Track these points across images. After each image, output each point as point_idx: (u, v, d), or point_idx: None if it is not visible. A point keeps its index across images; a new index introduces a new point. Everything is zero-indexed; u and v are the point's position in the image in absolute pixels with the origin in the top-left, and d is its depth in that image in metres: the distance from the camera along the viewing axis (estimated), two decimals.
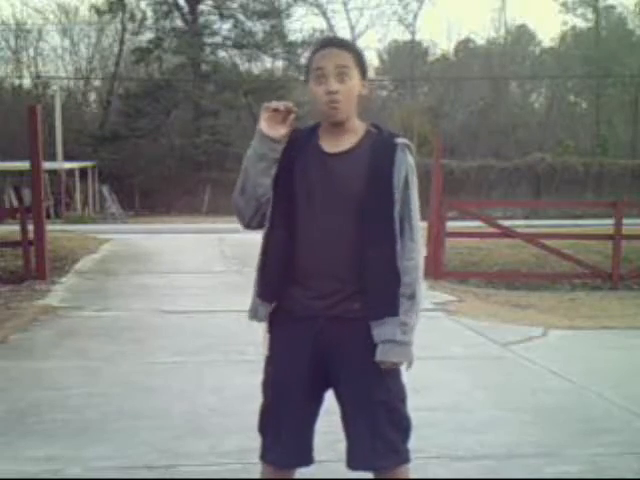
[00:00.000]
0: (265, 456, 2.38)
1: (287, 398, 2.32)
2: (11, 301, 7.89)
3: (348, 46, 2.29)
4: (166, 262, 10.87)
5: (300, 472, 2.43)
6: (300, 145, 2.32)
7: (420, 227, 2.31)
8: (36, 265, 9.15)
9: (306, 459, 2.39)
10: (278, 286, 2.30)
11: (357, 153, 2.27)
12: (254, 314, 2.36)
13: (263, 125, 2.25)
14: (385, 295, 2.24)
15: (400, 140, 2.29)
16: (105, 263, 10.80)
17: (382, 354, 2.23)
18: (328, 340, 2.27)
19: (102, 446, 3.64)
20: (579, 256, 10.56)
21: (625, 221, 10.32)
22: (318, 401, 2.37)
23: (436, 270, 9.95)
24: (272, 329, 2.35)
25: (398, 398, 2.34)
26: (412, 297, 2.25)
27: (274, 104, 2.24)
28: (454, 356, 5.73)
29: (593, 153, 33.45)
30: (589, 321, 7.66)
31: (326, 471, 3.02)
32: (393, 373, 2.31)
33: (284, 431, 2.32)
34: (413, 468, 3.29)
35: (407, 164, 2.26)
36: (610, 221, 10.55)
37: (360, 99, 2.29)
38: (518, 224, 13.70)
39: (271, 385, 2.36)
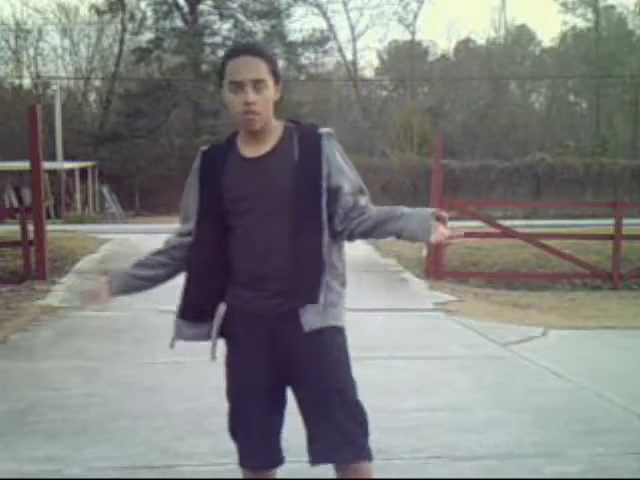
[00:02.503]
0: (240, 460, 2.44)
1: (249, 401, 2.36)
2: (11, 301, 7.89)
3: (262, 54, 2.26)
4: None
5: (291, 472, 2.43)
6: (219, 159, 2.33)
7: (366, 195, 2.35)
8: (36, 265, 9.15)
9: (276, 460, 2.43)
10: (202, 306, 2.36)
11: (280, 152, 2.27)
12: (178, 334, 2.49)
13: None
14: (306, 283, 2.23)
15: (323, 130, 2.30)
16: (105, 263, 10.79)
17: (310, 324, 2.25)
18: (280, 337, 2.28)
19: (102, 446, 3.64)
20: (579, 256, 10.55)
21: (625, 221, 10.32)
22: (281, 400, 2.39)
23: (436, 270, 9.95)
24: (225, 331, 2.37)
25: (351, 389, 2.34)
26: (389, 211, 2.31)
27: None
28: (454, 356, 5.73)
29: (593, 153, 33.41)
30: (589, 321, 7.66)
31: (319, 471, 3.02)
32: (344, 365, 2.33)
33: (251, 434, 2.37)
34: (413, 468, 3.28)
35: (335, 149, 2.29)
36: (610, 221, 10.55)
37: (275, 103, 2.31)
38: (518, 224, 13.68)
39: (232, 390, 2.40)
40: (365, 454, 2.34)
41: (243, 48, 2.29)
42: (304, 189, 2.22)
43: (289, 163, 2.24)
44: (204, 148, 2.43)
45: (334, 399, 2.27)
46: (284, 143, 2.28)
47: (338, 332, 2.32)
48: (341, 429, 2.27)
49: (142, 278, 2.46)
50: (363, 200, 2.32)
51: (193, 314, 2.39)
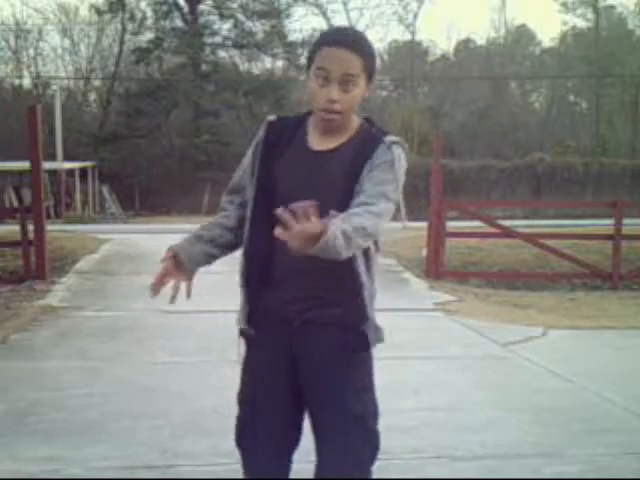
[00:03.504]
0: (245, 473, 2.25)
1: (264, 412, 2.17)
2: (11, 301, 7.89)
3: (360, 48, 2.05)
4: None
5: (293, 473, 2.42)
6: (285, 139, 2.15)
7: (390, 207, 2.04)
8: (36, 265, 9.15)
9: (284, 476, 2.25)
10: (260, 290, 2.15)
11: (342, 151, 2.11)
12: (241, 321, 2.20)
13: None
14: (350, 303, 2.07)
15: (387, 138, 2.11)
16: (105, 263, 10.79)
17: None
18: (303, 346, 2.11)
19: (102, 446, 3.64)
20: (579, 256, 10.55)
21: (625, 221, 10.32)
22: (299, 414, 2.20)
23: (436, 270, 9.96)
24: (245, 332, 2.20)
25: (373, 414, 2.17)
26: (359, 228, 1.93)
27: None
28: (454, 356, 5.73)
29: (593, 153, 33.43)
30: (589, 321, 7.66)
31: None
32: (369, 386, 2.16)
33: (261, 447, 2.18)
34: (413, 468, 3.28)
35: (384, 157, 2.06)
36: (610, 221, 10.55)
37: (362, 101, 2.13)
38: (518, 224, 13.69)
39: (247, 397, 2.21)
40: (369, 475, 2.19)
41: (341, 39, 2.05)
42: (346, 194, 2.04)
43: (344, 166, 2.07)
44: (271, 118, 2.21)
45: (355, 426, 2.10)
46: (352, 143, 2.11)
47: (370, 354, 2.15)
48: (355, 454, 2.12)
49: (210, 240, 2.20)
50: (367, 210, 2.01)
51: (255, 300, 2.17)
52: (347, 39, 2.05)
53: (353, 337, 2.10)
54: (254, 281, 2.14)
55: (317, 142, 2.13)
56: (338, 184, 2.06)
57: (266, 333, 2.15)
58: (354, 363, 2.11)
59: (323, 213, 1.93)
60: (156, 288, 2.13)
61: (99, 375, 4.97)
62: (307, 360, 2.11)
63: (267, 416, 2.17)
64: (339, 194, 2.04)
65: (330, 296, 2.08)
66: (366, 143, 2.10)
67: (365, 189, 2.01)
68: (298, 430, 2.22)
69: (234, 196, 2.25)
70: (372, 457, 2.17)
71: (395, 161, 2.09)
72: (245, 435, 2.21)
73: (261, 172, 2.14)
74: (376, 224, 1.97)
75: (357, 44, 2.05)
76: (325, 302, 2.08)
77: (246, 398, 2.20)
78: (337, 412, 2.10)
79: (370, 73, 2.09)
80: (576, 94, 43.31)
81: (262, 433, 2.17)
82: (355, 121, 2.15)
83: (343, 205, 2.00)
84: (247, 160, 2.21)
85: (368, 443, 2.15)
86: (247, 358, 2.21)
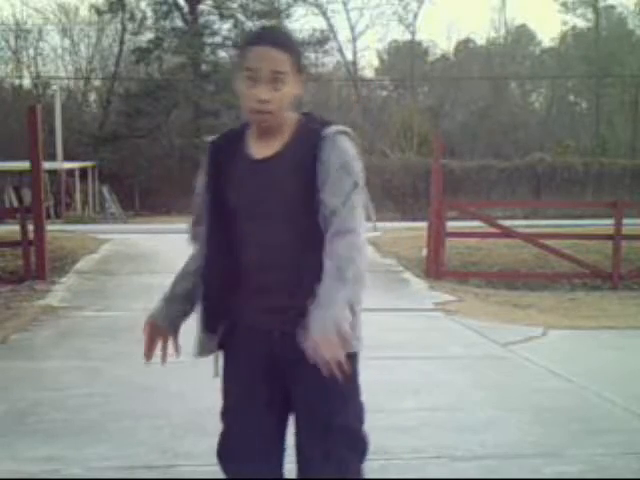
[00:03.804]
0: None
1: (247, 426, 2.10)
2: (11, 301, 7.89)
3: (286, 45, 2.01)
4: (166, 262, 10.84)
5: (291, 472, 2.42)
6: (228, 153, 2.10)
7: (362, 216, 2.00)
8: (36, 265, 9.15)
9: None
10: (223, 314, 2.11)
11: (284, 155, 2.03)
12: (202, 349, 2.15)
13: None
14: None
15: (330, 129, 2.01)
16: (105, 263, 10.80)
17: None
18: (284, 357, 2.04)
19: (102, 446, 3.64)
20: (579, 256, 10.56)
21: (625, 221, 10.32)
22: (283, 424, 2.14)
23: (436, 270, 9.96)
24: (225, 344, 2.14)
25: (358, 420, 2.11)
26: (341, 278, 1.89)
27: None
28: (454, 356, 5.73)
29: (593, 153, 33.44)
30: (589, 321, 7.66)
31: None
32: (354, 392, 2.09)
33: (244, 463, 2.11)
34: (413, 468, 3.29)
35: (334, 152, 1.98)
36: (610, 221, 10.56)
37: (295, 98, 2.05)
38: (518, 224, 13.69)
39: (228, 409, 2.15)
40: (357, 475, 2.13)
41: (266, 37, 2.03)
42: (300, 199, 1.98)
43: (290, 168, 2.01)
44: (212, 139, 2.17)
45: (339, 435, 2.04)
46: (292, 143, 2.04)
47: (350, 359, 1.98)
48: (340, 460, 2.05)
49: (184, 297, 2.22)
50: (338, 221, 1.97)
51: (214, 324, 2.13)
52: (272, 37, 2.03)
53: None
54: (213, 301, 2.11)
55: (257, 150, 2.07)
56: (289, 192, 2.00)
57: (245, 346, 2.09)
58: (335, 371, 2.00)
59: (278, 223, 2.01)
60: (148, 354, 2.24)
61: (99, 375, 4.97)
62: (289, 370, 2.05)
63: (251, 430, 2.10)
64: (291, 202, 2.00)
65: (302, 304, 1.94)
66: (308, 141, 2.01)
67: (332, 207, 1.95)
68: (282, 441, 2.15)
69: (198, 228, 2.18)
70: (360, 460, 2.12)
71: (349, 161, 1.99)
72: (230, 450, 2.13)
73: (212, 193, 2.10)
74: (360, 249, 1.94)
75: (283, 41, 2.02)
76: (304, 311, 1.93)
77: (230, 414, 2.14)
78: (321, 422, 2.03)
79: (299, 70, 2.03)
80: (576, 94, 43.32)
81: (247, 447, 2.10)
82: (291, 119, 2.06)
83: (297, 214, 1.99)
84: (199, 190, 2.16)
85: (354, 449, 2.08)
86: (227, 373, 2.16)
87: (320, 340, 1.81)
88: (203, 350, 2.16)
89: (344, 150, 2.00)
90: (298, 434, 2.10)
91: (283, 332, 2.02)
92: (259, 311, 2.06)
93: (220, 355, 2.17)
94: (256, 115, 2.00)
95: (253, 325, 2.08)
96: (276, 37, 2.03)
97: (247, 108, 2.01)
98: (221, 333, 2.12)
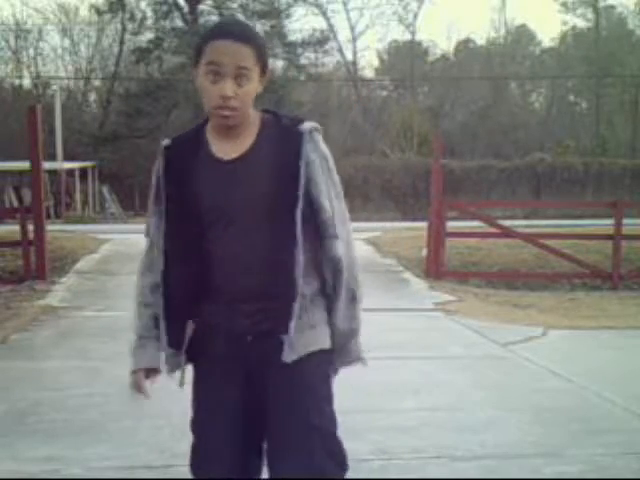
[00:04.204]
0: None
1: (218, 440, 2.00)
2: (11, 301, 7.89)
3: (252, 39, 1.91)
4: None
5: None
6: (187, 157, 1.98)
7: (347, 219, 2.04)
8: (36, 265, 9.15)
9: None
10: (186, 326, 2.02)
11: (257, 152, 1.94)
12: (171, 366, 2.11)
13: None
14: (279, 307, 1.94)
15: (305, 126, 1.95)
16: (105, 263, 10.80)
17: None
18: (257, 360, 1.96)
19: (102, 446, 3.64)
20: (579, 256, 10.56)
21: (625, 221, 10.33)
22: (260, 438, 2.03)
23: (436, 270, 9.96)
24: (193, 354, 2.04)
25: (332, 423, 2.02)
26: (353, 299, 2.01)
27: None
28: (454, 356, 5.73)
29: (593, 153, 33.44)
30: (589, 321, 7.66)
31: None
32: (326, 397, 2.02)
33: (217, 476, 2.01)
34: (413, 468, 3.29)
35: (317, 153, 1.95)
36: (610, 221, 10.56)
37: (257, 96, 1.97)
38: (518, 224, 13.69)
39: (199, 425, 2.06)
40: None
41: (227, 30, 1.90)
42: (280, 197, 1.91)
43: (266, 166, 1.93)
44: (166, 143, 2.03)
45: (314, 435, 1.96)
46: (261, 141, 1.95)
47: (322, 356, 2.00)
48: (316, 470, 1.95)
49: (154, 337, 2.19)
50: (334, 226, 1.98)
51: (179, 339, 2.04)
52: (237, 31, 1.91)
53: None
54: (177, 315, 2.02)
55: (222, 150, 1.96)
56: (264, 192, 1.91)
57: (216, 353, 2.00)
58: (312, 373, 1.98)
59: (251, 225, 1.92)
60: (145, 394, 2.28)
61: (99, 375, 4.97)
62: (263, 374, 1.97)
63: (223, 444, 2.00)
64: (267, 202, 1.92)
65: (282, 306, 1.93)
66: (283, 139, 1.95)
67: (326, 211, 1.96)
68: (259, 456, 2.05)
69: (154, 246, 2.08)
70: (339, 468, 2.01)
71: (332, 162, 2.00)
72: (201, 465, 2.04)
73: (171, 198, 1.97)
74: (355, 258, 2.03)
75: (248, 35, 1.91)
76: (278, 313, 1.93)
77: (200, 425, 2.06)
78: (296, 425, 1.95)
79: (263, 66, 1.94)
80: (576, 94, 43.32)
81: (219, 462, 2.01)
82: (254, 116, 1.98)
83: (273, 213, 1.91)
84: (152, 198, 2.04)
85: (333, 458, 2.00)
86: (197, 382, 2.08)
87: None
88: (172, 367, 2.12)
89: (325, 150, 1.98)
90: (273, 442, 2.00)
91: (256, 334, 1.96)
92: (230, 316, 1.96)
93: (186, 366, 2.08)
94: (220, 112, 1.90)
95: (223, 330, 1.98)
96: (240, 31, 1.92)
97: (210, 105, 1.92)
98: (187, 344, 2.02)
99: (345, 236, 2.00)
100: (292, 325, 1.92)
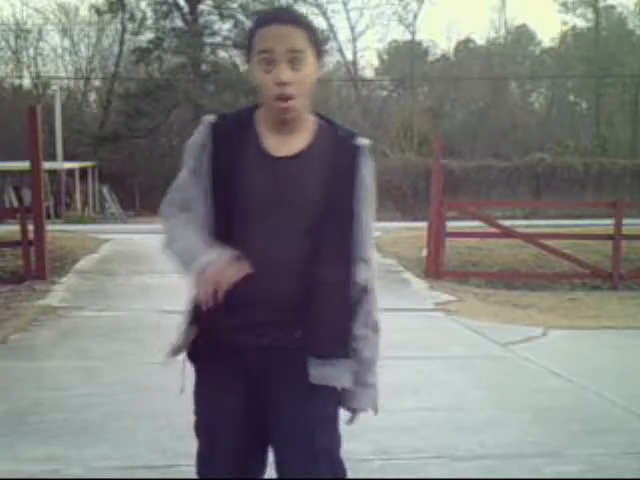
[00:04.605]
0: None
1: (223, 446, 1.92)
2: (11, 301, 7.89)
3: (300, 21, 1.82)
4: (166, 262, 10.84)
5: None
6: (235, 141, 1.86)
7: (373, 243, 1.98)
8: (36, 265, 9.15)
9: None
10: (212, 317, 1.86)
11: (311, 156, 1.85)
12: (183, 342, 1.94)
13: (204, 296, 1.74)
14: (335, 329, 1.87)
15: (361, 141, 1.91)
16: (105, 263, 10.80)
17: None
18: (261, 375, 1.88)
19: (102, 446, 3.64)
20: (579, 256, 10.56)
21: (625, 221, 10.33)
22: (264, 447, 1.96)
23: (436, 270, 9.96)
24: (195, 361, 1.97)
25: (339, 446, 1.96)
26: (376, 329, 1.96)
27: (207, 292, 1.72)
28: (454, 356, 5.73)
29: (593, 153, 33.43)
30: (589, 321, 7.67)
31: None
32: (333, 415, 1.94)
33: None
34: (413, 468, 3.29)
35: (368, 170, 1.91)
36: (610, 221, 10.56)
37: (314, 86, 1.85)
38: (518, 224, 13.69)
39: (203, 430, 1.97)
40: None
41: (274, 16, 1.83)
42: (334, 210, 1.83)
43: (319, 172, 1.84)
44: (213, 119, 1.89)
45: (323, 459, 1.89)
46: (318, 145, 1.86)
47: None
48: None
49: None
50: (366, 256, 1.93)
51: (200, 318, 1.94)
52: (284, 15, 1.84)
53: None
54: (210, 312, 1.83)
55: (274, 145, 1.85)
56: (313, 198, 1.83)
57: (219, 362, 1.91)
58: (317, 390, 1.87)
59: (291, 229, 1.81)
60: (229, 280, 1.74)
61: (99, 375, 4.97)
62: (267, 389, 1.90)
63: (229, 449, 1.93)
64: (312, 209, 1.83)
65: (290, 318, 1.85)
66: (340, 149, 1.88)
67: (366, 229, 1.90)
68: (263, 463, 2.00)
69: (182, 199, 1.94)
70: None
71: (372, 177, 1.94)
72: (207, 470, 1.99)
73: (215, 188, 1.84)
74: (373, 274, 1.96)
75: (295, 18, 1.83)
76: (284, 324, 1.85)
77: (204, 431, 1.97)
78: (302, 446, 1.87)
79: (317, 48, 1.83)
80: (576, 94, 43.32)
81: (224, 467, 1.95)
82: (311, 118, 1.90)
83: (315, 222, 1.82)
84: (186, 173, 1.90)
85: (336, 476, 1.94)
86: (199, 388, 1.98)
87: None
88: (184, 344, 1.94)
89: (372, 170, 1.93)
90: (278, 457, 1.94)
91: (259, 347, 1.86)
92: (236, 325, 1.86)
93: (189, 370, 1.99)
94: (279, 103, 1.79)
95: (227, 340, 1.88)
96: (287, 14, 1.85)
97: (267, 96, 1.80)
98: (191, 341, 1.93)
99: (373, 259, 1.96)
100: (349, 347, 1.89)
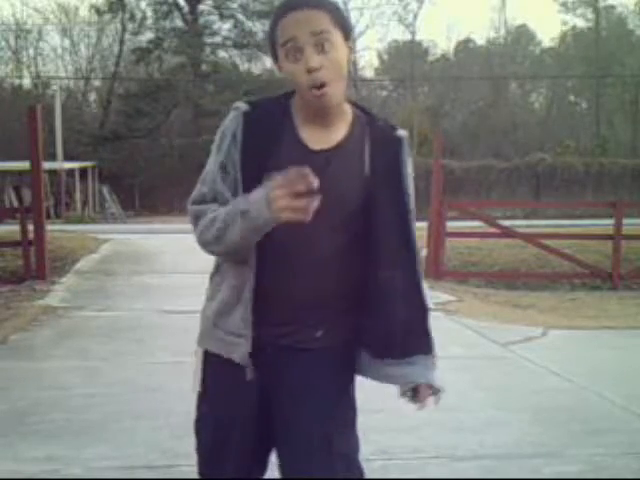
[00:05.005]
0: None
1: (230, 445, 1.84)
2: (11, 301, 7.88)
3: (320, 3, 1.67)
4: (166, 262, 10.87)
5: None
6: (268, 135, 1.72)
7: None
8: (36, 265, 9.15)
9: None
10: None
11: (350, 148, 1.74)
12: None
13: (286, 213, 1.52)
14: (414, 326, 1.86)
15: (403, 133, 1.81)
16: (105, 263, 10.80)
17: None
18: (277, 374, 1.80)
19: (102, 446, 3.63)
20: (579, 256, 10.56)
21: (625, 221, 10.33)
22: (268, 449, 1.89)
23: (436, 270, 9.95)
24: (206, 359, 1.87)
25: (356, 448, 1.87)
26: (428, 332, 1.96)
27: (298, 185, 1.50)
28: (454, 356, 5.72)
29: (593, 153, 33.46)
30: (589, 321, 7.67)
31: None
32: (351, 419, 1.87)
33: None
34: (413, 468, 3.28)
35: (409, 164, 1.81)
36: (610, 221, 10.56)
37: (347, 69, 1.71)
38: (518, 224, 13.70)
39: (210, 427, 1.88)
40: None
41: (291, 4, 1.67)
42: (387, 204, 1.74)
43: (360, 166, 1.74)
44: (245, 108, 1.74)
45: (339, 465, 1.80)
46: (355, 136, 1.75)
47: (353, 381, 1.90)
48: None
49: None
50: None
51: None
52: (300, 1, 1.68)
53: (336, 362, 1.83)
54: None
55: (312, 137, 1.73)
56: (352, 190, 1.73)
57: (230, 361, 1.80)
58: (336, 393, 1.82)
59: (330, 228, 1.70)
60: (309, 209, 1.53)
61: (99, 375, 4.96)
62: (281, 392, 1.80)
63: (236, 449, 1.85)
64: (352, 202, 1.73)
65: (311, 318, 1.78)
66: (381, 141, 1.77)
67: (406, 223, 1.80)
68: (265, 465, 1.92)
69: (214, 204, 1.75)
70: None
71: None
72: (210, 470, 1.93)
73: (247, 183, 1.68)
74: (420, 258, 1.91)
75: (317, 1, 1.67)
76: (308, 322, 1.78)
77: (211, 428, 1.88)
78: (320, 451, 1.77)
79: (344, 29, 1.69)
80: (576, 94, 43.35)
81: (230, 467, 1.87)
82: (347, 108, 1.78)
83: (351, 218, 1.73)
84: (215, 166, 1.75)
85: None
86: (206, 384, 1.89)
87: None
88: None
89: (412, 162, 1.85)
90: (291, 465, 1.82)
91: (278, 347, 1.79)
92: (256, 324, 1.76)
93: (191, 368, 1.92)
94: (313, 91, 1.65)
95: (253, 335, 1.78)
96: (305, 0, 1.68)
97: (300, 86, 1.67)
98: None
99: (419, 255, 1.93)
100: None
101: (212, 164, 1.77)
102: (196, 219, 1.75)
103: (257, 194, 1.57)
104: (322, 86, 1.64)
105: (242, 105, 1.75)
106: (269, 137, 1.72)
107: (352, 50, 1.73)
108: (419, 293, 1.84)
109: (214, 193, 1.74)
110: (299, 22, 1.63)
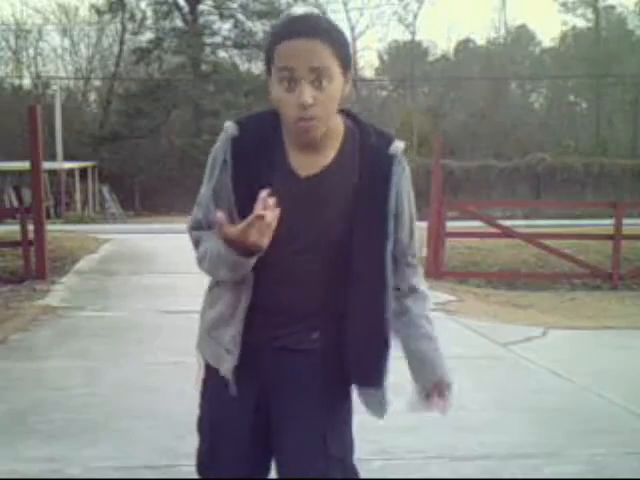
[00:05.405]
0: None
1: (228, 444, 1.86)
2: (11, 301, 7.88)
3: (326, 34, 1.61)
4: (166, 262, 10.87)
5: None
6: (260, 157, 1.71)
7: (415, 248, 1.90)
8: (36, 265, 9.15)
9: None
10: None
11: (339, 167, 1.72)
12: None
13: (254, 237, 1.57)
14: (369, 360, 1.83)
15: (395, 148, 1.75)
16: (105, 263, 10.80)
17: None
18: (274, 376, 1.81)
19: (102, 446, 3.63)
20: (579, 256, 10.57)
21: (625, 221, 10.34)
22: (269, 450, 1.88)
23: (436, 270, 9.96)
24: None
25: (351, 451, 1.88)
26: (434, 338, 2.04)
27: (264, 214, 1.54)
28: (454, 356, 5.70)
29: (593, 153, 33.46)
30: (589, 321, 7.67)
31: None
32: (347, 421, 1.88)
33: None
34: (413, 468, 3.29)
35: (405, 178, 1.76)
36: (610, 221, 10.57)
37: (342, 100, 1.69)
38: (518, 224, 13.70)
39: (208, 426, 1.92)
40: None
41: (301, 28, 1.61)
42: (365, 227, 1.72)
43: (348, 188, 1.72)
44: (233, 132, 1.72)
45: (335, 468, 1.81)
46: (345, 154, 1.73)
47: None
48: None
49: None
50: (413, 251, 1.85)
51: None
52: (308, 26, 1.62)
53: (333, 363, 1.83)
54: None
55: (300, 162, 1.71)
56: (336, 213, 1.72)
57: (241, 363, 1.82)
58: (332, 395, 1.83)
59: (313, 250, 1.73)
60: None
61: (99, 375, 4.96)
62: (278, 393, 1.82)
63: (235, 450, 1.86)
64: (336, 225, 1.73)
65: (310, 319, 1.80)
66: (371, 161, 1.73)
67: (404, 244, 1.81)
68: (267, 467, 1.92)
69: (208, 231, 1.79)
70: None
71: (410, 182, 1.81)
72: (209, 470, 1.93)
73: (240, 210, 1.67)
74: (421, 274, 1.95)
75: (321, 30, 1.61)
76: (304, 326, 1.79)
77: (210, 429, 1.92)
78: (314, 452, 1.79)
79: (345, 64, 1.65)
80: (576, 94, 43.34)
81: (229, 467, 1.88)
82: (338, 126, 1.74)
83: (346, 238, 1.72)
84: (209, 191, 1.76)
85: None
86: (207, 384, 1.93)
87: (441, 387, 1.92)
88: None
89: (409, 178, 1.78)
90: (287, 468, 1.83)
91: (275, 348, 1.80)
92: (252, 326, 1.78)
93: (192, 368, 1.95)
94: (301, 125, 1.63)
95: (246, 337, 1.79)
96: (309, 26, 1.62)
97: (288, 117, 1.64)
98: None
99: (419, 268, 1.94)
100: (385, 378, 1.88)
101: (207, 189, 1.78)
102: (195, 244, 1.82)
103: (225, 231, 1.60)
104: (311, 120, 1.62)
105: (230, 127, 1.73)
106: (259, 163, 1.71)
107: (348, 80, 1.68)
108: (380, 326, 1.81)
109: (207, 221, 1.76)
110: (299, 53, 1.59)
